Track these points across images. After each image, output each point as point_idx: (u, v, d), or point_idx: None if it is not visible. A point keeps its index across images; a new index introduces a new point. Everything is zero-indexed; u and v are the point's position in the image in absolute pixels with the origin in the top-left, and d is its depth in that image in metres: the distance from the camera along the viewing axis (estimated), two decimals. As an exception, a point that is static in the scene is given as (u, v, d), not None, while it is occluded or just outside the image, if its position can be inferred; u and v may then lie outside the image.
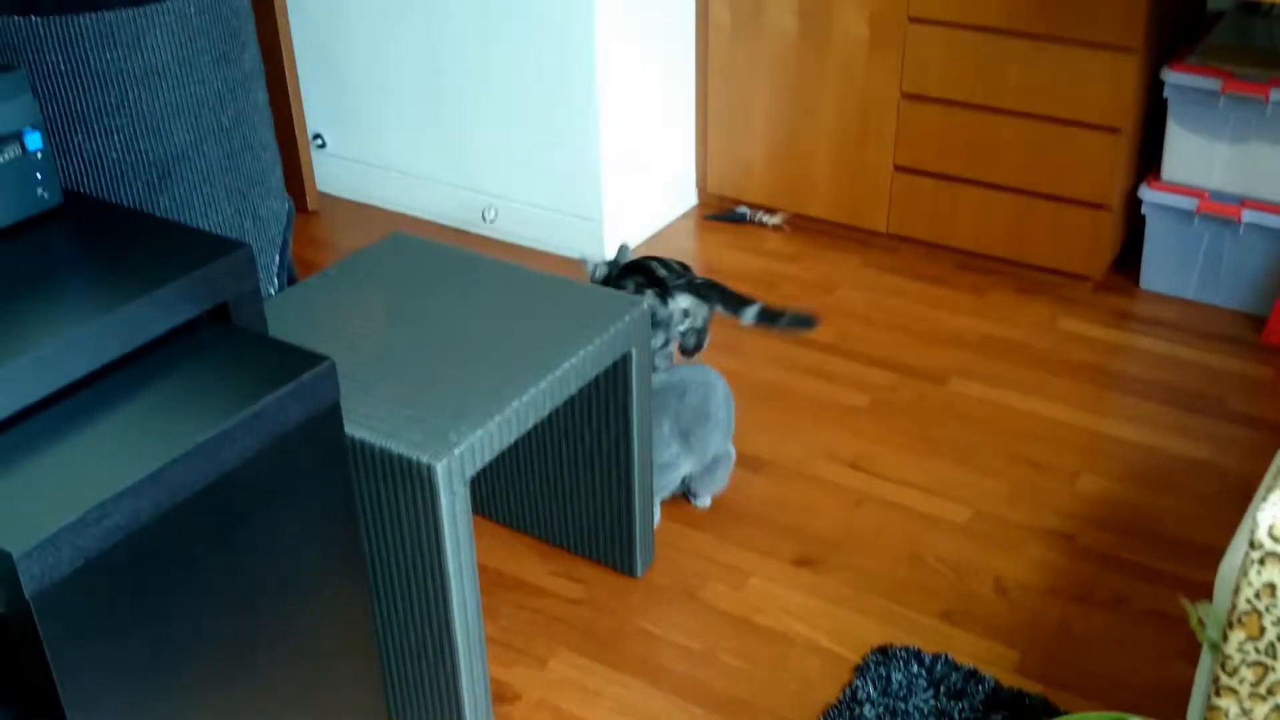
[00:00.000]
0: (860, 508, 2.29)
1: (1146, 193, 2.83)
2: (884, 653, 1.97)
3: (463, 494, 1.60)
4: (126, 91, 1.67)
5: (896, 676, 1.92)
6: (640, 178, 3.15)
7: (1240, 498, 2.27)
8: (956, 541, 2.20)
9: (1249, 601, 1.15)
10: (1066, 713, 1.85)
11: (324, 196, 3.48)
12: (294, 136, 3.28)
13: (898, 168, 3.03)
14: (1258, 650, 1.16)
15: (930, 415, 2.54)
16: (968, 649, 1.98)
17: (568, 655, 1.99)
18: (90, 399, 1.36)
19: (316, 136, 3.43)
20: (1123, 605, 2.06)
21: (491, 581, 2.13)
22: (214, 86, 1.75)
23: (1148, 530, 2.22)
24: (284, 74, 3.21)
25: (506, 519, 2.24)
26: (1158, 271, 2.92)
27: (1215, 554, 2.13)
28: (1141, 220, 2.91)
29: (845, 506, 2.29)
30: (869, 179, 3.07)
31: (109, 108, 1.66)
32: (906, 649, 1.97)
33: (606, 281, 2.44)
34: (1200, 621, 1.51)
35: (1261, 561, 1.13)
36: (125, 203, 1.72)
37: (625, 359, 1.92)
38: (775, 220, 3.28)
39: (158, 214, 1.74)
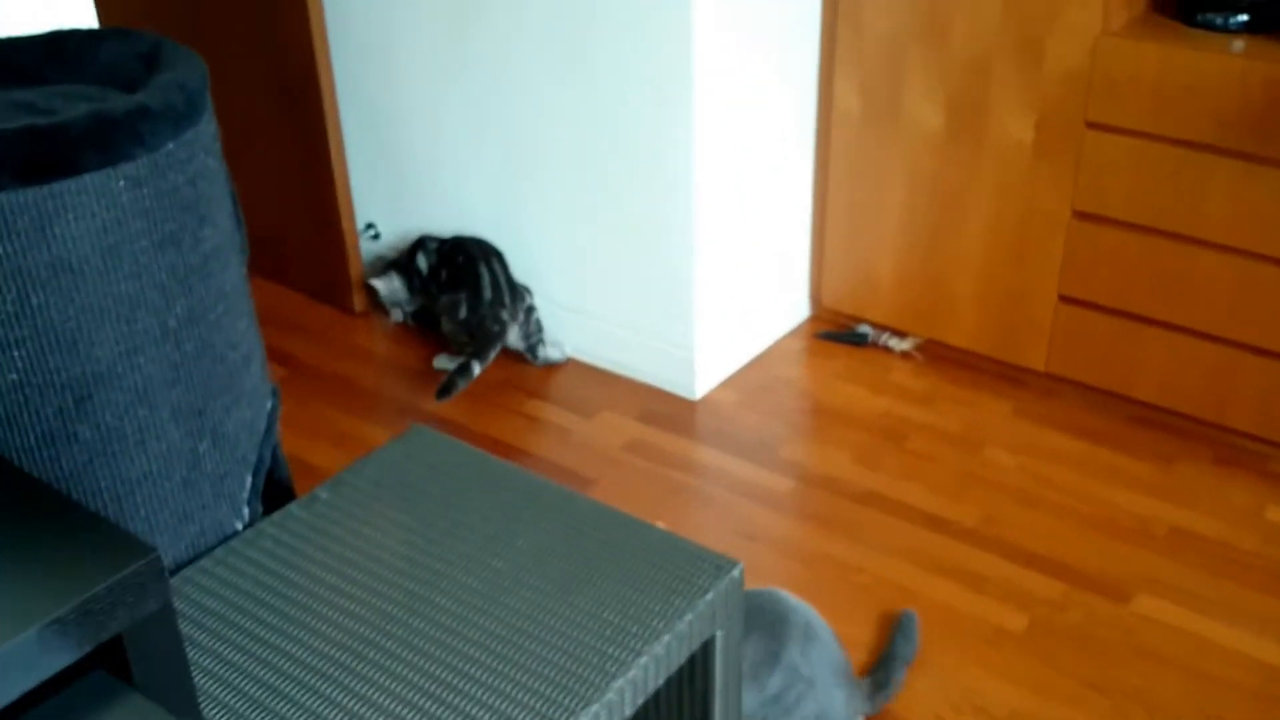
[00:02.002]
0: (1017, 798, 1.74)
1: (1392, 349, 2.21)
2: None
3: None
4: (28, 295, 1.21)
5: None
6: (742, 283, 2.63)
7: None
8: None
9: None
10: None
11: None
12: (340, 226, 2.84)
13: (1063, 298, 2.45)
14: None
15: (1108, 650, 1.96)
16: None
17: None
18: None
19: (369, 226, 2.98)
20: None
21: None
22: (155, 279, 1.28)
23: None
24: (329, 154, 2.77)
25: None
26: (1399, 445, 2.29)
27: None
28: (1380, 380, 2.29)
29: (996, 794, 1.74)
30: (1026, 308, 2.50)
31: (4, 317, 1.21)
32: None
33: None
34: None
35: None
36: (28, 436, 1.26)
37: (707, 646, 1.41)
38: (904, 346, 2.72)
39: (75, 448, 1.28)
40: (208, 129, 1.34)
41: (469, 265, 2.65)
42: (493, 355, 2.57)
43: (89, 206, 1.21)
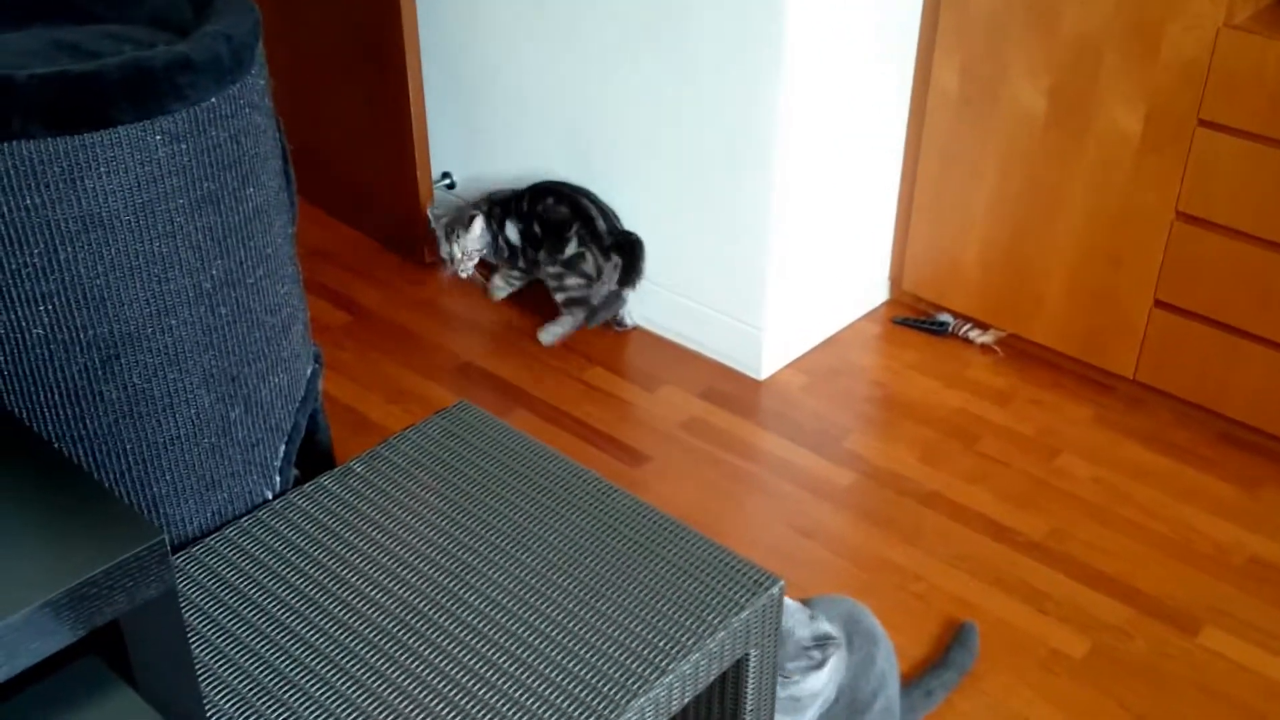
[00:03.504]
0: (1059, 837, 1.65)
1: None
2: None
3: None
4: (56, 249, 1.16)
5: None
6: (818, 261, 2.53)
7: None
8: None
9: None
10: None
11: (447, 245, 2.97)
12: (415, 173, 2.78)
13: (1159, 303, 2.30)
14: None
15: (1172, 684, 1.85)
16: None
17: None
18: None
19: (445, 175, 2.92)
20: None
21: None
22: (191, 239, 1.23)
23: None
24: (408, 101, 2.70)
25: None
26: None
27: None
28: None
29: (1038, 831, 1.65)
30: (1118, 310, 2.36)
31: (31, 270, 1.16)
32: None
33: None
34: None
35: None
36: (53, 394, 1.22)
37: (740, 665, 1.34)
38: (986, 338, 2.60)
39: (101, 408, 1.25)
40: (256, 83, 1.28)
41: (565, 200, 2.56)
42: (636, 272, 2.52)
43: (122, 161, 1.16)
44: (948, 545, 2.10)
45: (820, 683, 1.56)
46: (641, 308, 2.65)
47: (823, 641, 1.54)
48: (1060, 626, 1.95)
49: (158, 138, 1.17)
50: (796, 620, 1.55)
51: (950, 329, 2.64)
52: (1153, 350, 2.34)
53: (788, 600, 1.53)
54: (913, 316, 2.70)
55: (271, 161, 1.33)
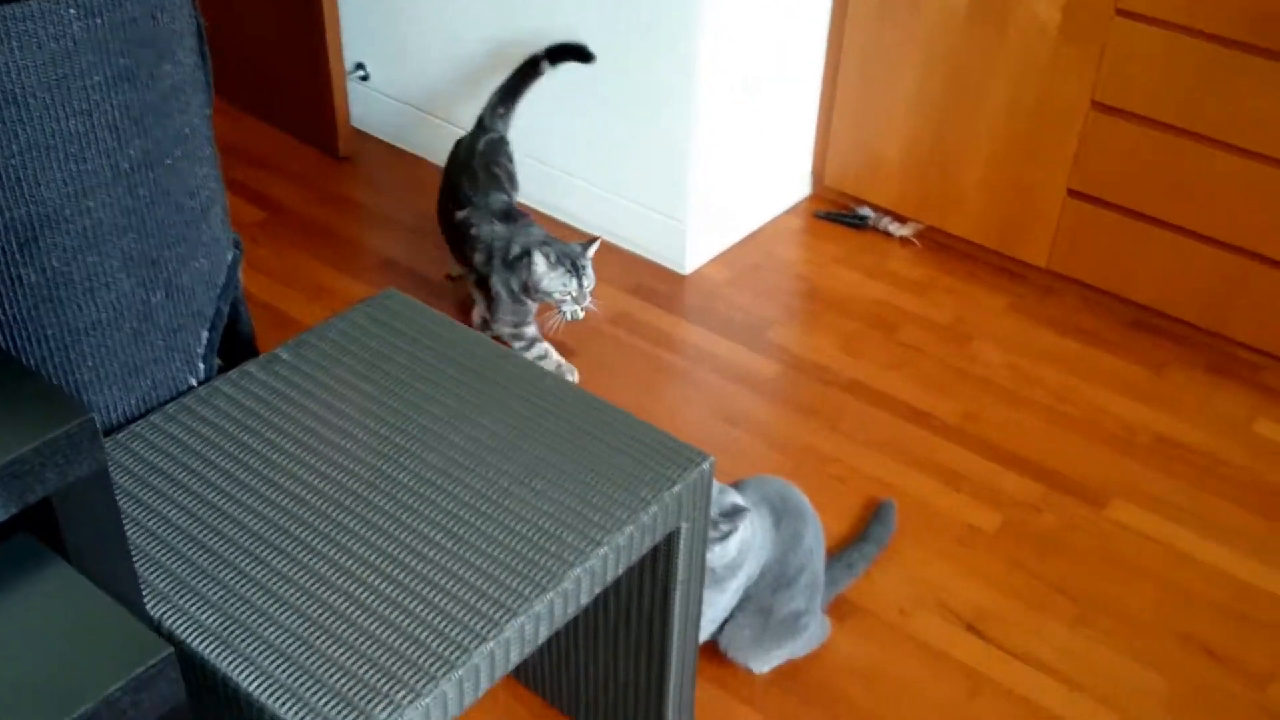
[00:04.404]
0: (974, 699, 1.73)
1: (1405, 270, 2.14)
2: None
3: (397, 790, 1.08)
4: (-35, 126, 1.12)
5: None
6: (741, 157, 2.53)
7: None
8: (1099, 771, 1.64)
9: None
10: None
11: (361, 138, 2.92)
12: (327, 64, 2.71)
13: (1072, 192, 2.36)
14: None
15: (1081, 556, 1.94)
16: None
17: None
18: None
19: (359, 66, 2.85)
20: None
21: (475, 761, 1.64)
22: (107, 117, 1.19)
23: (1366, 786, 1.63)
24: (320, -11, 2.63)
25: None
26: (1398, 367, 2.24)
27: None
28: (1388, 300, 2.22)
29: (953, 696, 1.73)
30: (1032, 200, 2.41)
31: (-61, 148, 1.12)
32: None
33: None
34: None
35: None
36: (-30, 279, 1.19)
37: (672, 538, 1.37)
38: (904, 231, 2.64)
39: (20, 292, 1.21)
40: (169, -44, 1.24)
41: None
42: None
43: (35, 35, 1.11)
44: (867, 430, 2.16)
45: (730, 553, 1.60)
46: (566, 203, 2.64)
47: (731, 514, 1.58)
48: (973, 503, 2.02)
49: (71, 11, 1.13)
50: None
51: (870, 222, 2.67)
52: (1064, 239, 2.41)
53: None
54: (834, 211, 2.72)
55: (187, 39, 1.29)
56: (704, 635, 1.71)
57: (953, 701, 1.72)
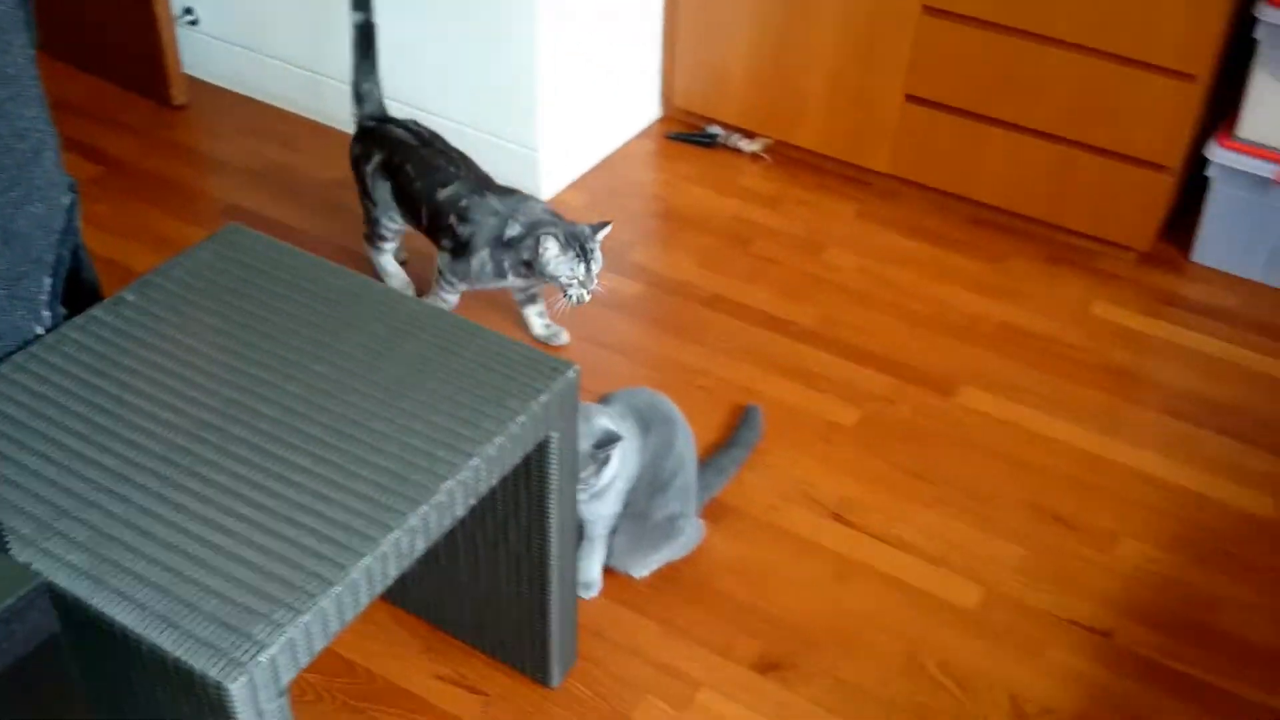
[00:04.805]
0: (844, 583, 1.81)
1: (1216, 152, 2.27)
2: (867, 813, 1.53)
3: (277, 708, 1.09)
4: None
5: None
6: (589, 82, 2.54)
7: (1317, 583, 1.82)
8: (964, 639, 1.73)
9: None
10: None
11: (194, 84, 2.82)
12: (153, 9, 2.61)
13: (910, 98, 2.43)
14: None
15: (934, 441, 2.04)
16: (974, 807, 1.54)
17: (458, 805, 1.53)
18: None
19: (187, 11, 2.75)
20: (1172, 744, 1.62)
21: (361, 690, 1.65)
22: (-85, 55, 1.14)
23: (1203, 626, 1.76)
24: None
25: (386, 592, 1.74)
26: (1217, 245, 2.38)
27: (1288, 672, 1.69)
28: (1201, 183, 2.36)
29: (824, 579, 1.81)
30: (872, 108, 2.48)
31: None
32: (897, 809, 1.53)
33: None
34: None
35: None
36: None
37: (543, 447, 1.40)
38: (754, 147, 2.68)
39: None
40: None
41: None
42: None
43: None
44: (730, 341, 2.22)
45: (610, 474, 1.64)
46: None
47: (603, 442, 1.61)
48: (833, 401, 2.10)
49: None
50: (579, 431, 1.61)
51: (720, 140, 2.71)
52: (905, 144, 2.48)
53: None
54: (685, 131, 2.76)
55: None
56: (600, 547, 1.74)
57: (824, 585, 1.80)
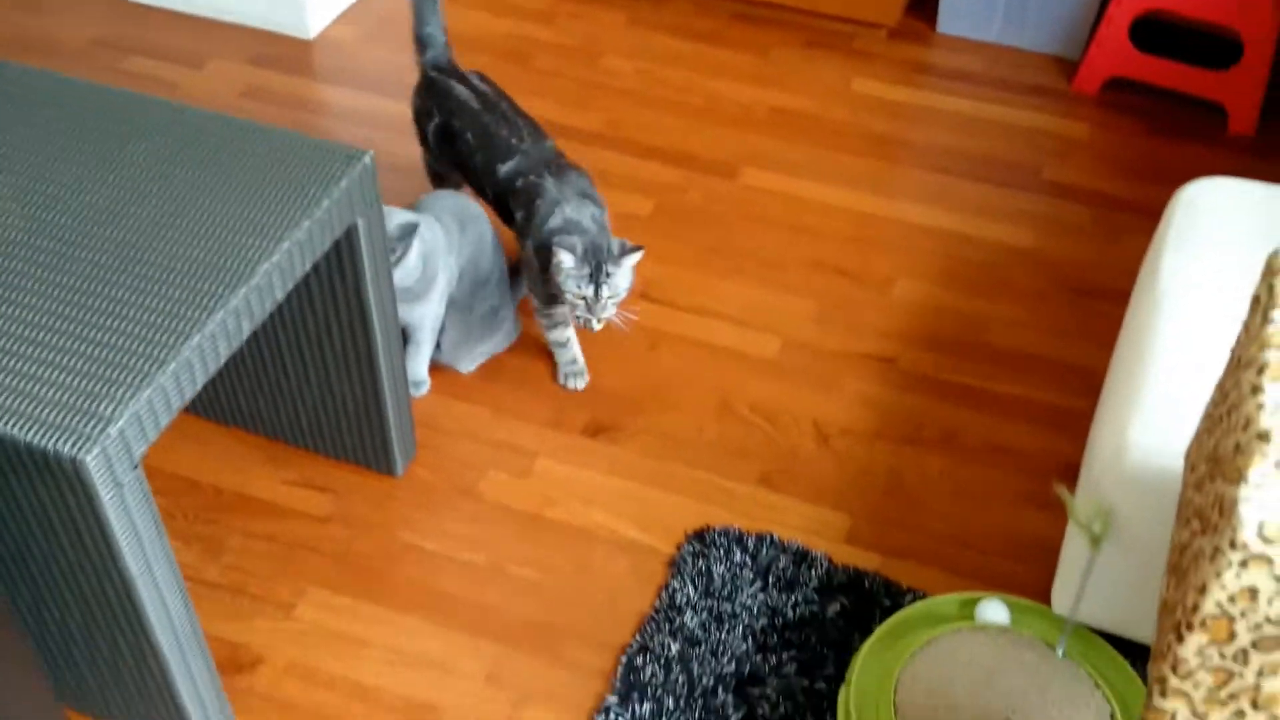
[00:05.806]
0: (656, 350, 1.94)
1: (948, -77, 2.43)
2: (701, 539, 1.68)
3: (133, 480, 1.14)
4: None
5: (718, 570, 1.64)
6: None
7: (1069, 291, 2.04)
8: (768, 381, 1.89)
9: (1219, 605, 0.88)
10: (913, 592, 1.62)
11: None
12: None
13: (662, -100, 2.50)
14: (1223, 656, 0.91)
15: (725, 219, 2.17)
16: (793, 520, 1.71)
17: (319, 594, 1.60)
18: None
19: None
20: (955, 442, 1.82)
21: (209, 504, 1.69)
22: None
23: (973, 343, 1.97)
24: None
25: (218, 414, 1.78)
26: (958, 14, 2.56)
27: (1048, 366, 1.92)
28: (940, -46, 2.52)
29: (638, 350, 1.93)
30: (628, -85, 2.53)
31: None
32: (726, 531, 1.68)
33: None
34: (1085, 516, 1.27)
35: (1244, 564, 0.85)
36: None
37: (351, 235, 1.44)
38: (519, -32, 2.70)
39: None
40: None
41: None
42: None
43: None
44: (520, 151, 2.28)
45: (415, 266, 1.69)
46: (169, -10, 2.52)
47: (402, 234, 1.66)
48: (628, 194, 2.20)
49: None
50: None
51: (485, -35, 2.72)
52: (665, -53, 2.55)
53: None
54: (447, -41, 2.75)
55: None
56: (426, 348, 1.80)
57: (640, 356, 1.92)
